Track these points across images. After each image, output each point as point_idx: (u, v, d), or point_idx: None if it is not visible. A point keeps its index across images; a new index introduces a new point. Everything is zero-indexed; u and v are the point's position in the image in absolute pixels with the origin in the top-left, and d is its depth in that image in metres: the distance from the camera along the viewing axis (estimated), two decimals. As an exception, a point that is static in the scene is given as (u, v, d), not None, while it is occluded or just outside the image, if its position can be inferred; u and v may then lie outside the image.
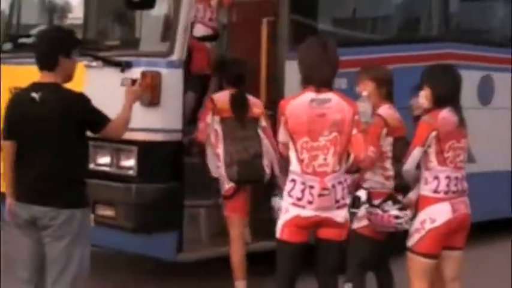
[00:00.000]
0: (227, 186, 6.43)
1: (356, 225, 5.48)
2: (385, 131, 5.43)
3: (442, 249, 5.20)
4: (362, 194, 5.47)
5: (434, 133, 5.11)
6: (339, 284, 5.20)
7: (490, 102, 8.81)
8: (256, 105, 6.54)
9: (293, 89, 6.86)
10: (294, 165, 4.88)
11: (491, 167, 8.68)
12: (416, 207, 5.22)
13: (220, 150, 6.36)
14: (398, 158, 5.34)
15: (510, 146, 8.99)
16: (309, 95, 4.89)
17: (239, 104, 6.41)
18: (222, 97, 6.44)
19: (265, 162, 6.40)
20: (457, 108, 5.24)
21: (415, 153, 5.15)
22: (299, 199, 4.82)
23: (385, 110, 5.53)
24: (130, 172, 6.30)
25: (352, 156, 4.95)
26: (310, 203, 4.80)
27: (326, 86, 4.91)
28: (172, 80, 6.27)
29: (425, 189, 5.17)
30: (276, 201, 5.59)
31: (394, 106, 5.67)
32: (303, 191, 4.81)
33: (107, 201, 6.33)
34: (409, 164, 5.17)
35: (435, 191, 5.13)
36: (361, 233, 5.47)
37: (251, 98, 6.52)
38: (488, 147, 8.58)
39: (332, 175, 4.83)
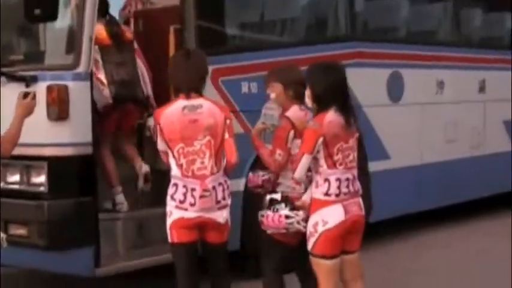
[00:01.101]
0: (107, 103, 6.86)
1: (270, 230, 5.41)
2: (292, 133, 5.33)
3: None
4: (277, 196, 5.42)
5: (321, 139, 5.02)
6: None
7: (400, 99, 8.94)
8: (128, 30, 7.22)
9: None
10: (175, 171, 5.14)
11: (402, 163, 8.83)
12: (309, 210, 5.17)
13: (101, 75, 6.79)
14: None
15: (420, 142, 9.17)
16: (181, 102, 5.16)
17: (113, 29, 7.00)
18: (97, 27, 6.65)
19: (141, 82, 7.10)
20: (343, 107, 5.13)
21: (304, 161, 5.06)
22: (181, 202, 5.09)
23: (294, 111, 5.43)
24: (42, 189, 6.21)
25: (224, 160, 5.20)
26: (192, 205, 5.08)
27: (195, 92, 5.20)
28: (79, 93, 6.22)
29: (317, 192, 5.11)
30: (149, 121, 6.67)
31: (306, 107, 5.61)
32: (184, 194, 5.09)
33: (19, 220, 6.23)
34: (299, 172, 5.11)
35: (326, 194, 5.07)
36: (273, 238, 5.39)
37: (121, 25, 7.23)
38: (400, 143, 8.72)
39: (211, 177, 5.11)
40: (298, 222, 5.18)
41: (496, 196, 10.55)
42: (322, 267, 5.13)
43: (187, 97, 5.16)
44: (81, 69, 6.21)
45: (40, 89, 6.00)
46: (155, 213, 7.08)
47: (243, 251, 7.24)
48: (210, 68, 6.87)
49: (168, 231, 5.18)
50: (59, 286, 7.52)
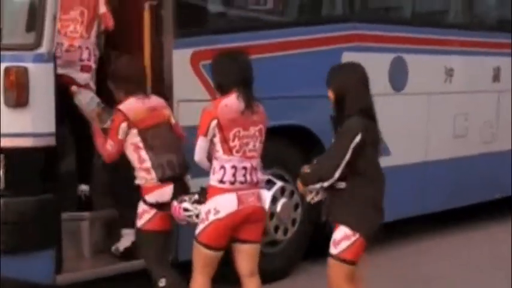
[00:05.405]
0: None
1: (138, 223, 6.10)
2: (124, 125, 6.01)
3: (234, 242, 5.68)
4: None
5: (214, 122, 5.59)
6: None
7: (403, 87, 8.93)
8: None
9: (183, 81, 6.88)
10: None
11: (404, 160, 8.84)
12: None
13: None
14: (150, 147, 6.01)
15: (425, 137, 9.17)
16: None
17: None
18: None
19: None
20: (244, 93, 5.67)
21: (200, 143, 5.67)
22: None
23: (128, 103, 6.11)
24: (-4, 184, 6.19)
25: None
26: (58, 57, 6.38)
27: None
28: (41, 76, 6.17)
29: (213, 179, 5.64)
30: None
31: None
32: (55, 48, 6.41)
33: (-30, 219, 6.20)
34: (197, 155, 5.73)
35: (221, 181, 5.59)
36: (145, 230, 6.03)
37: None
38: (402, 138, 8.70)
39: (80, 39, 6.90)
40: (197, 216, 5.66)
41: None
42: (202, 256, 5.65)
43: None
44: (43, 49, 6.14)
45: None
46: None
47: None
48: (190, 51, 6.95)
49: None
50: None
